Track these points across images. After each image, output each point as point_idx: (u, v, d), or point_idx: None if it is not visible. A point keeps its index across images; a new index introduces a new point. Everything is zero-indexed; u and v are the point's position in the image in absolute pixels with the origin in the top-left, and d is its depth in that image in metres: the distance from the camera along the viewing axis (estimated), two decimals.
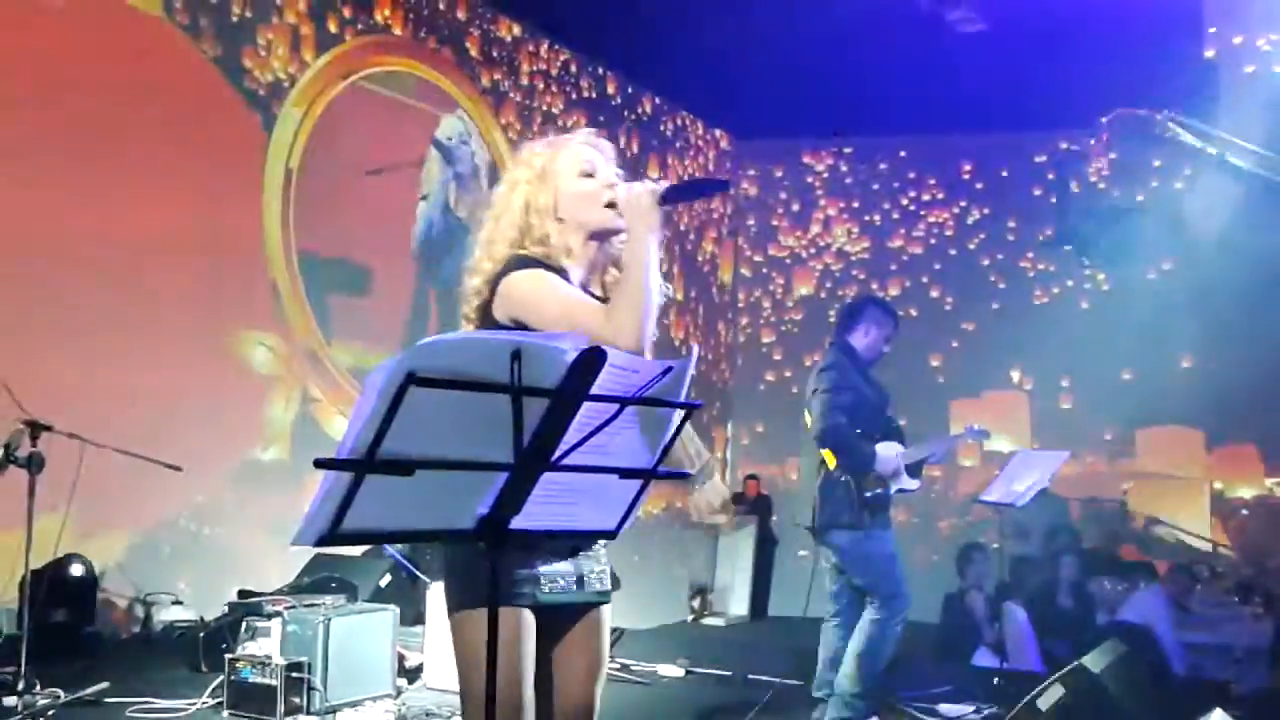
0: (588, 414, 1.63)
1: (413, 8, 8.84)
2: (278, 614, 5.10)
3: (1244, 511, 10.91)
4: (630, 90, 11.57)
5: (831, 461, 4.86)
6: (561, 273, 2.28)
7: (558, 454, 1.63)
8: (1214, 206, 10.17)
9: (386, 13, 8.62)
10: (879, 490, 4.86)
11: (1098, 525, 10.52)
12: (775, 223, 13.17)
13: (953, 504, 11.40)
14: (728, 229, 13.22)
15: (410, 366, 1.42)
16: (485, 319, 2.25)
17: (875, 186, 12.69)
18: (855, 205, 12.78)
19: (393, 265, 8.48)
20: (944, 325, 11.97)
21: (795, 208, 13.08)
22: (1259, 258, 10.21)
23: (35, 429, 4.73)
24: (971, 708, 5.23)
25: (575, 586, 2.30)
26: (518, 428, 1.56)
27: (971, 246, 12.29)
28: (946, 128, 11.45)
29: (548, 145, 2.41)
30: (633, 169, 11.54)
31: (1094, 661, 4.27)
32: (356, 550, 6.85)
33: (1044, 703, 4.21)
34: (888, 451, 4.90)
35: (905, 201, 12.57)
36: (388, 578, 6.63)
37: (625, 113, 11.52)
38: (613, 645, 6.50)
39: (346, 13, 8.27)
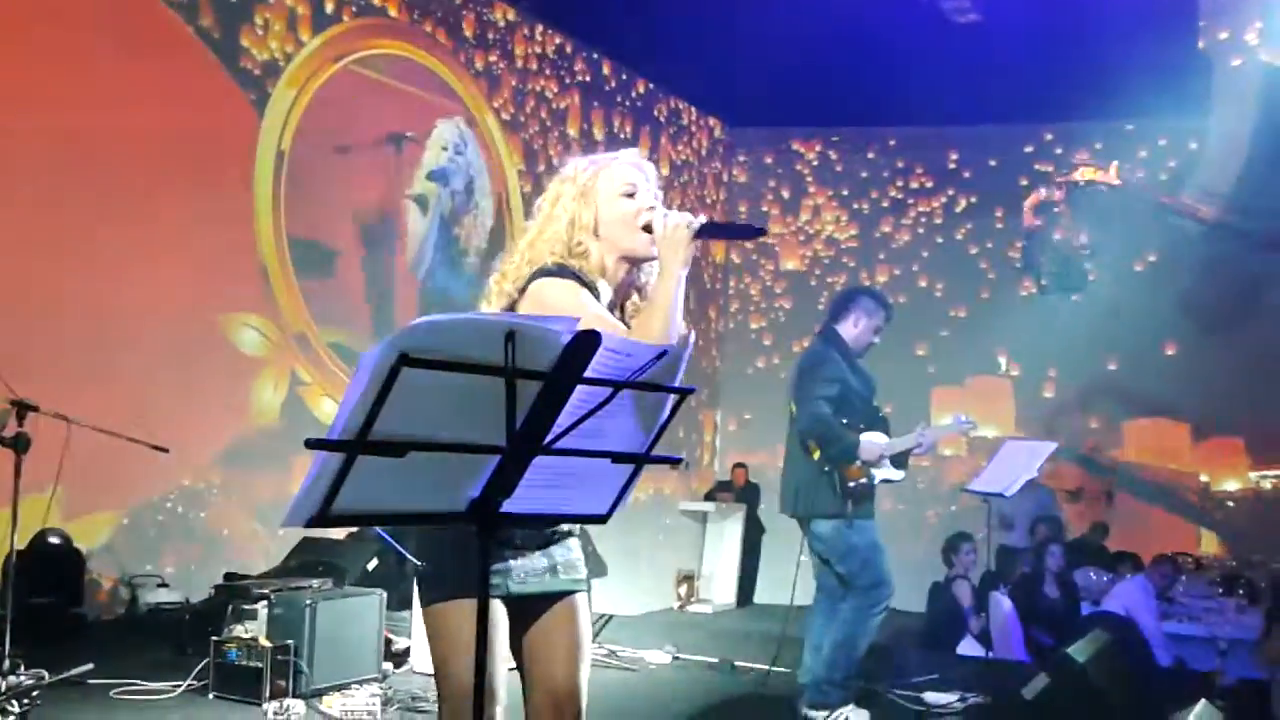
0: (581, 397, 1.62)
1: None
2: (264, 597, 5.09)
3: (1230, 504, 10.97)
4: (624, 76, 11.55)
5: (815, 451, 4.87)
6: (593, 289, 2.35)
7: (550, 437, 1.62)
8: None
9: None
10: (862, 480, 4.87)
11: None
12: (765, 209, 13.18)
13: (940, 493, 11.43)
14: (721, 213, 13.21)
15: (403, 347, 1.41)
16: None
17: (864, 175, 12.73)
18: (844, 193, 12.81)
19: (359, 248, 8.37)
20: (932, 314, 11.99)
21: (785, 195, 13.10)
22: (1247, 247, 10.33)
23: (22, 409, 4.69)
24: (956, 696, 5.25)
25: (547, 576, 2.31)
26: (510, 410, 1.54)
27: (959, 236, 12.32)
28: (935, 118, 11.48)
29: (592, 163, 2.46)
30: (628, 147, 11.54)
31: (1079, 651, 4.30)
32: (343, 534, 6.85)
33: (1029, 692, 4.23)
34: (872, 441, 4.90)
35: (894, 190, 12.60)
36: (375, 561, 6.62)
37: (619, 97, 11.49)
38: (600, 630, 6.53)
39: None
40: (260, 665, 4.75)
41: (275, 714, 4.59)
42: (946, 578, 7.43)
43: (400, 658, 5.63)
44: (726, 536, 9.55)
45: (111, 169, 6.67)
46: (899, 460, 5.06)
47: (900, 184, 12.60)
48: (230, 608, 5.18)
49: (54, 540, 5.98)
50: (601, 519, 1.84)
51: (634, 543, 10.37)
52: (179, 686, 4.91)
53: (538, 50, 10.35)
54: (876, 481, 4.96)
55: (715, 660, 6.23)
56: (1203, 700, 3.49)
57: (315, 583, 5.48)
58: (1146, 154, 11.54)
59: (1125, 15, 9.02)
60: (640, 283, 2.46)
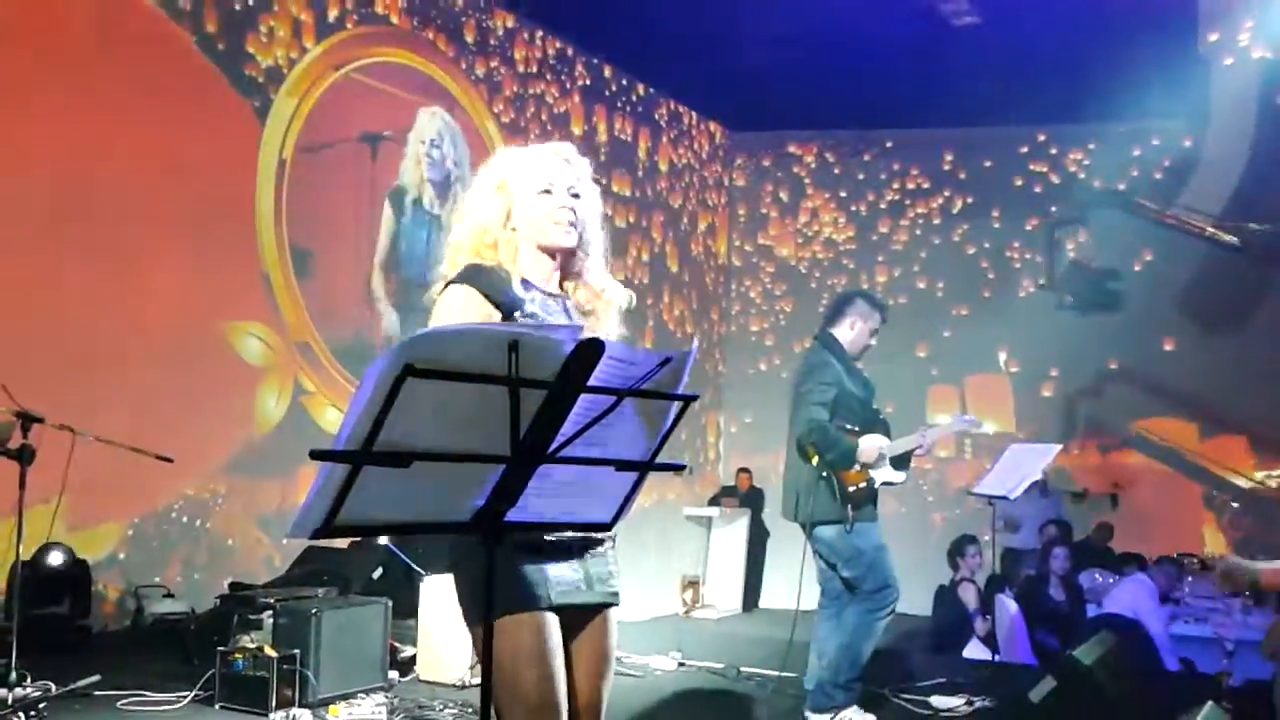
0: (585, 405, 1.62)
1: None
2: (269, 606, 5.09)
3: (1235, 505, 10.96)
4: (625, 80, 11.57)
5: (814, 457, 4.86)
6: (506, 282, 2.31)
7: (554, 446, 1.62)
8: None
9: (386, 1, 8.60)
10: (862, 484, 4.86)
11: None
12: (765, 211, 13.23)
13: (944, 496, 11.43)
14: (722, 216, 13.25)
15: (408, 358, 1.41)
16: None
17: (861, 177, 12.76)
18: (842, 195, 12.85)
19: (336, 249, 8.33)
20: (932, 314, 12.00)
21: (784, 198, 13.14)
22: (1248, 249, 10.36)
23: (26, 421, 4.70)
24: (963, 700, 5.24)
25: (584, 588, 2.28)
26: (514, 420, 1.55)
27: (956, 237, 12.35)
28: (930, 120, 11.52)
29: (511, 157, 2.43)
30: (630, 154, 11.58)
31: (1085, 654, 4.29)
32: (347, 542, 6.84)
33: (1036, 695, 4.23)
34: (871, 444, 4.89)
35: (891, 192, 12.64)
36: (380, 570, 6.62)
37: (619, 101, 11.51)
38: None
39: (348, 3, 8.25)
40: (266, 675, 4.75)
41: None
42: (952, 580, 7.42)
43: (406, 666, 5.62)
44: (731, 541, 9.52)
45: (114, 180, 6.68)
46: (900, 462, 5.04)
47: (897, 186, 12.64)
48: (236, 617, 5.19)
49: (59, 552, 5.98)
50: (605, 527, 1.85)
51: (638, 548, 10.37)
52: (185, 697, 4.91)
53: (538, 55, 10.38)
54: (877, 484, 4.95)
55: (721, 666, 6.22)
56: (1209, 703, 3.48)
57: (320, 591, 5.49)
58: (1141, 153, 11.56)
59: (1120, 17, 9.04)
60: (577, 270, 2.44)
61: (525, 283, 2.32)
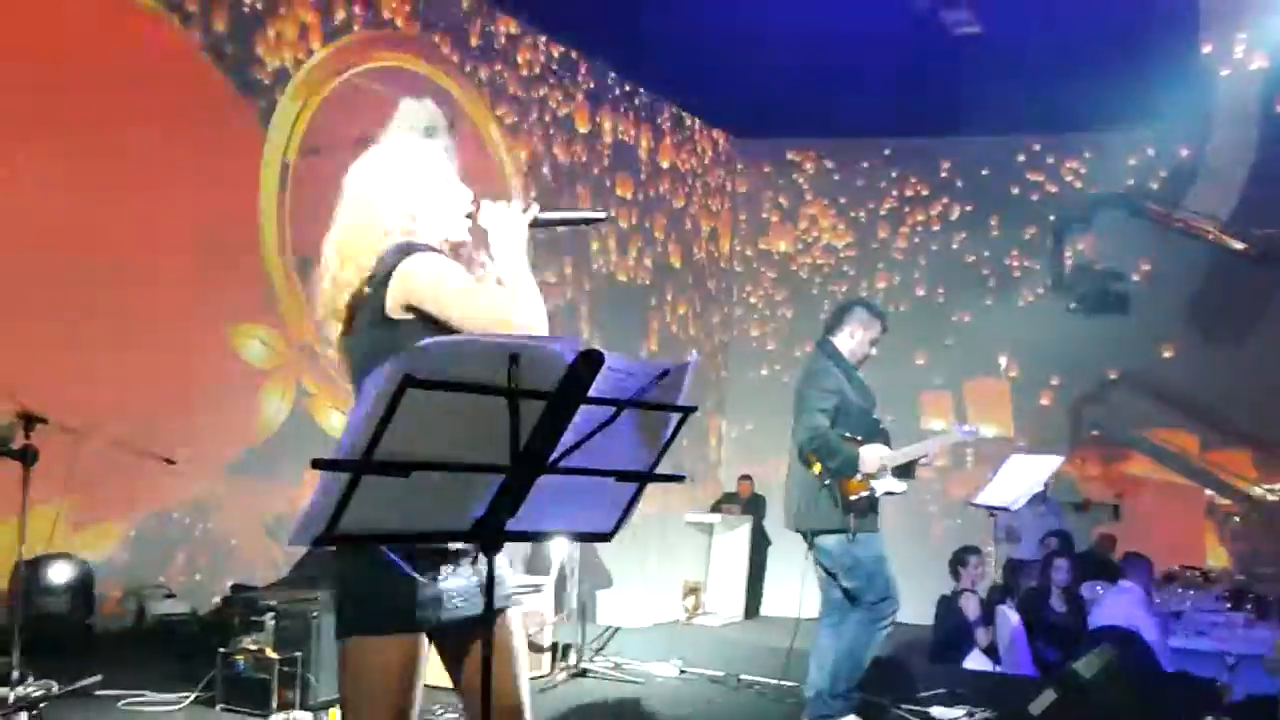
0: (585, 416, 1.62)
1: (414, 2, 8.84)
2: (271, 608, 5.10)
3: (1236, 518, 10.94)
4: (628, 86, 11.60)
5: (816, 466, 4.85)
6: None
7: (554, 456, 1.63)
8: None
9: (394, 5, 8.63)
10: (864, 493, 4.85)
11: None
12: (766, 217, 13.27)
13: (945, 505, 11.42)
14: (725, 222, 13.28)
15: (408, 369, 1.42)
16: (366, 310, 2.19)
17: (860, 184, 12.80)
18: (842, 201, 12.90)
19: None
20: (932, 322, 12.03)
21: (784, 204, 13.19)
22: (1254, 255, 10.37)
23: (30, 421, 4.72)
24: (963, 711, 5.23)
25: (477, 594, 2.19)
26: (514, 430, 1.55)
27: (955, 245, 12.39)
28: (928, 129, 11.56)
29: (405, 149, 2.38)
30: (632, 157, 11.61)
31: (1085, 667, 4.28)
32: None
33: (1036, 707, 4.22)
34: (873, 454, 4.88)
35: (890, 200, 12.69)
36: None
37: (622, 106, 11.55)
38: (606, 642, 6.52)
39: (357, 9, 8.29)
40: (267, 677, 4.77)
41: None
42: (953, 591, 7.40)
43: None
44: (733, 548, 9.53)
45: (115, 181, 6.69)
46: (902, 472, 5.04)
47: (896, 193, 12.69)
48: (237, 619, 5.20)
49: (63, 562, 6.00)
50: (605, 537, 1.85)
51: (640, 555, 10.38)
52: (186, 698, 4.93)
53: (541, 59, 10.41)
54: (879, 494, 4.94)
55: (721, 674, 6.22)
56: (1209, 717, 3.48)
57: (322, 594, 5.48)
58: (1136, 161, 11.61)
59: (1119, 29, 9.07)
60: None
61: None
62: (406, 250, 2.20)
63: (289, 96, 7.76)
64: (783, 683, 5.82)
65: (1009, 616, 6.99)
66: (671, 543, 10.20)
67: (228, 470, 7.37)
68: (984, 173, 12.28)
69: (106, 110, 6.65)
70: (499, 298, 2.18)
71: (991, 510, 5.48)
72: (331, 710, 4.81)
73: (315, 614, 4.95)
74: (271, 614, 5.07)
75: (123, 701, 4.88)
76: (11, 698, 4.49)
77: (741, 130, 13.09)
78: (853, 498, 4.83)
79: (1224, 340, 10.85)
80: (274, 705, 4.73)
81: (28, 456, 4.72)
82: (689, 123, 12.68)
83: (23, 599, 4.93)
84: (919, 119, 11.12)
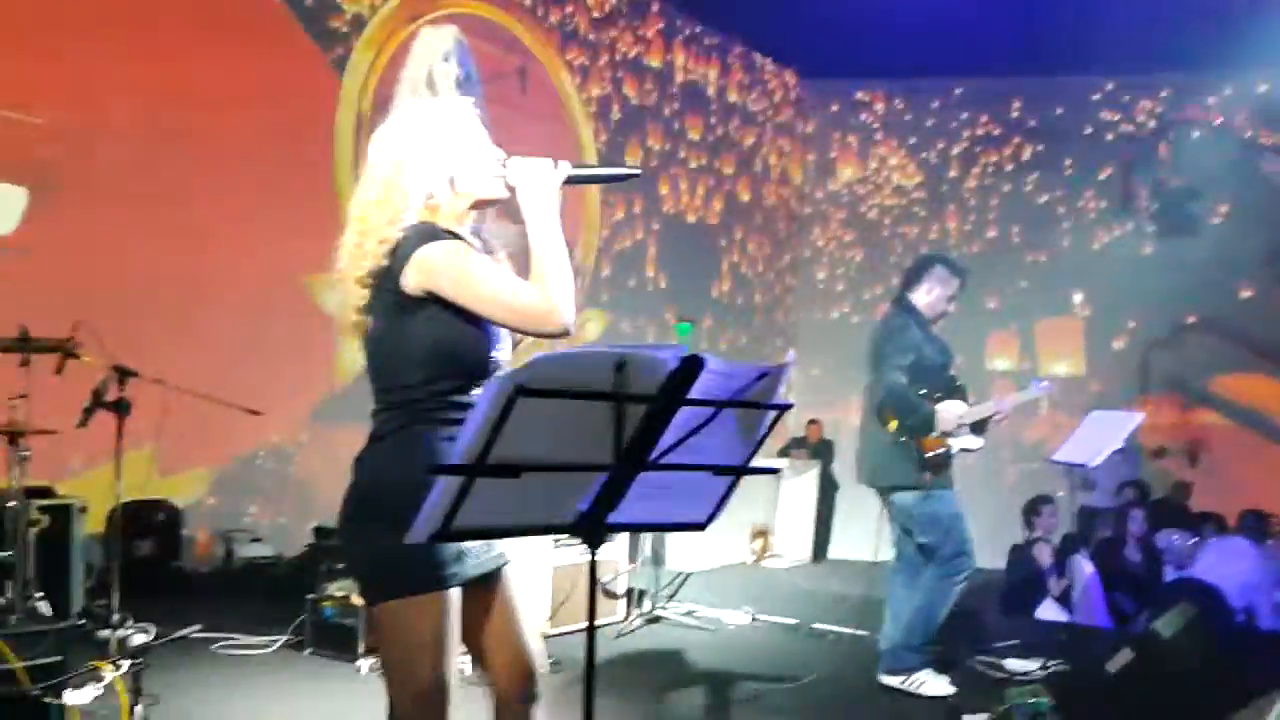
0: (686, 415, 1.66)
1: None
2: None
3: None
4: (698, 28, 11.47)
5: (892, 423, 4.86)
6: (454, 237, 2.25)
7: (655, 454, 1.67)
8: None
9: None
10: (940, 450, 4.86)
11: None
12: (834, 158, 13.11)
13: (1019, 451, 11.35)
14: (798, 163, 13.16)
15: (521, 380, 1.47)
16: (385, 287, 2.20)
17: (930, 124, 12.58)
18: (912, 142, 12.69)
19: None
20: (1005, 264, 11.85)
21: (853, 145, 13.01)
22: None
23: (123, 375, 4.87)
24: (1038, 664, 5.24)
25: (491, 551, 2.27)
26: (618, 432, 1.59)
27: (1028, 186, 12.16)
28: (1000, 69, 11.29)
29: (439, 108, 2.35)
30: (702, 98, 11.52)
31: (1165, 625, 4.27)
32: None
33: (1114, 665, 4.23)
34: (950, 411, 4.87)
35: (960, 141, 12.46)
36: None
37: (692, 46, 11.42)
38: (678, 589, 6.62)
39: None
40: (354, 623, 4.92)
41: (370, 670, 4.76)
42: (1026, 539, 7.39)
43: None
44: (801, 492, 9.58)
45: (197, 139, 6.81)
46: (978, 428, 5.03)
47: (967, 134, 12.46)
48: (323, 565, 5.36)
49: (154, 497, 6.21)
50: (700, 527, 1.89)
51: None
52: (276, 641, 5.10)
53: (612, 1, 10.32)
54: (955, 451, 4.94)
55: (794, 621, 6.30)
56: None
57: None
58: (1215, 101, 11.26)
59: None
60: (480, 230, 2.36)
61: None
62: (428, 235, 2.18)
63: (362, 46, 7.78)
64: (856, 631, 5.89)
65: (1083, 566, 6.97)
66: (740, 485, 10.26)
67: (309, 416, 7.54)
68: (1058, 112, 12.00)
69: (183, 59, 6.73)
70: (519, 286, 2.16)
71: (1071, 467, 5.45)
72: None
73: None
74: None
75: (215, 645, 5.07)
76: (113, 640, 4.68)
77: (811, 70, 12.88)
78: (929, 454, 4.84)
79: None
80: (361, 650, 4.88)
81: (122, 407, 4.88)
82: (759, 63, 12.52)
83: (120, 542, 5.13)
84: (991, 58, 10.85)
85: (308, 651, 5.01)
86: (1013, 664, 5.29)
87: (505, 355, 2.27)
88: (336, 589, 5.14)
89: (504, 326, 2.21)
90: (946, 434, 4.87)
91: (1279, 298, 10.64)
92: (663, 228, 11.01)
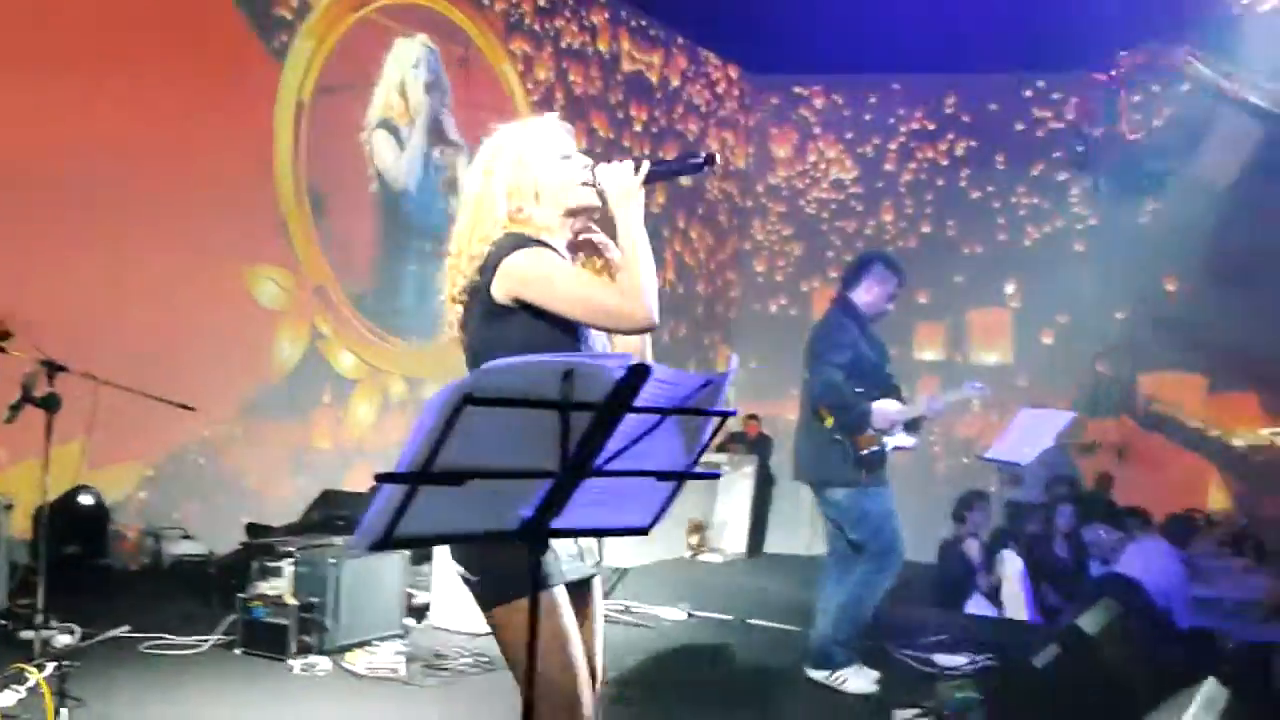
0: (632, 423, 1.67)
1: None
2: (289, 554, 5.19)
3: (1240, 461, 11.03)
4: (643, 21, 11.48)
5: (828, 420, 4.92)
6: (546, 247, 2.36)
7: (600, 461, 1.68)
8: (1232, 148, 10.23)
9: None
10: (875, 448, 4.93)
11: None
12: (775, 151, 13.21)
13: (949, 445, 11.53)
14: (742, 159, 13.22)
15: (468, 389, 1.47)
16: (478, 299, 2.30)
17: (868, 119, 12.73)
18: (849, 137, 12.84)
19: (354, 193, 8.27)
20: (937, 258, 12.01)
21: (794, 139, 13.12)
22: (1263, 202, 10.24)
23: (52, 369, 4.75)
24: (966, 659, 5.34)
25: (580, 560, 2.40)
26: (564, 439, 1.60)
27: (962, 182, 12.35)
28: (935, 65, 11.45)
29: (522, 127, 2.48)
30: (646, 89, 11.52)
31: (1089, 622, 4.36)
32: (366, 487, 6.94)
33: (1040, 660, 4.31)
34: (885, 409, 4.95)
35: (897, 136, 12.63)
36: None
37: (637, 39, 11.43)
38: (615, 586, 6.64)
39: None
40: (286, 622, 4.87)
41: (302, 670, 4.72)
42: (956, 535, 7.52)
43: (421, 613, 5.74)
44: (738, 487, 9.64)
45: (131, 127, 6.67)
46: (912, 426, 5.12)
47: (904, 129, 12.63)
48: (256, 564, 5.29)
49: (83, 496, 6.09)
50: (643, 531, 1.91)
51: None
52: (207, 640, 5.02)
53: None
54: (890, 449, 5.01)
55: (729, 617, 6.34)
56: (1210, 679, 3.56)
57: (339, 539, 5.58)
58: (1145, 99, 11.50)
59: None
60: (583, 234, 2.49)
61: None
62: (516, 243, 2.29)
63: (304, 33, 7.68)
64: (790, 627, 5.95)
65: (1012, 561, 7.11)
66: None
67: (243, 411, 7.43)
68: (991, 108, 12.21)
69: (118, 45, 6.59)
70: (604, 286, 2.29)
71: (1002, 465, 5.56)
72: (350, 655, 4.93)
73: (333, 560, 5.04)
74: (290, 560, 5.16)
75: (144, 645, 4.98)
76: (37, 641, 4.58)
77: (753, 64, 12.96)
78: (864, 452, 4.91)
79: (1230, 280, 10.71)
80: (293, 650, 4.83)
81: (51, 403, 4.76)
82: (702, 55, 12.55)
83: (46, 540, 5.01)
84: (926, 55, 10.99)
85: (239, 651, 4.94)
86: (942, 658, 5.38)
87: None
88: (268, 587, 5.09)
89: (593, 327, 2.32)
90: (881, 432, 4.95)
91: (1206, 295, 10.82)
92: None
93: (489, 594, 2.24)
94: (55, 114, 6.32)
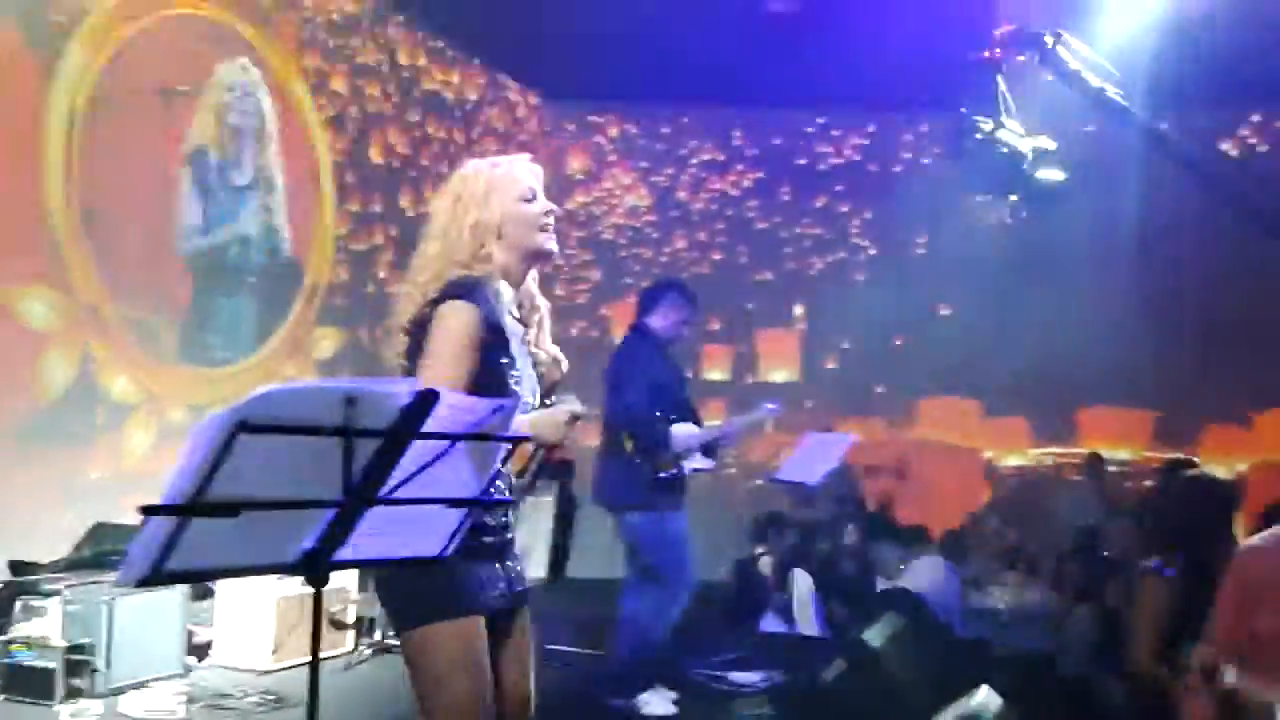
0: (420, 449, 1.64)
1: None
2: (56, 593, 4.86)
3: (1012, 481, 11.72)
4: (440, 42, 11.37)
5: (628, 443, 4.98)
6: (496, 293, 2.45)
7: (387, 489, 1.64)
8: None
9: None
10: (673, 471, 5.01)
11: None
12: (571, 177, 13.31)
13: (744, 467, 11.81)
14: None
15: (243, 416, 1.40)
16: (421, 331, 2.35)
17: (660, 148, 13.01)
18: (643, 165, 13.08)
19: (132, 210, 7.89)
20: (727, 286, 12.31)
21: (589, 167, 13.28)
22: (1037, 230, 10.85)
23: None
24: (760, 675, 5.46)
25: (507, 590, 2.47)
26: (347, 467, 1.55)
27: (750, 213, 12.76)
28: (725, 98, 11.78)
29: (492, 166, 2.53)
30: (442, 108, 11.40)
31: (874, 636, 4.54)
32: (140, 520, 6.56)
33: (828, 674, 4.46)
34: (683, 433, 5.05)
35: (689, 166, 12.96)
36: None
37: (435, 59, 11.31)
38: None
39: None
40: (53, 666, 4.56)
41: (71, 716, 4.42)
42: (752, 555, 7.71)
43: (203, 650, 5.47)
44: (539, 512, 9.59)
45: None
46: (709, 449, 5.23)
47: (695, 160, 12.96)
48: (19, 604, 4.94)
49: None
50: (434, 559, 1.87)
51: None
52: None
53: (351, 9, 10.07)
54: (688, 471, 5.10)
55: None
56: (984, 686, 3.75)
57: (112, 575, 5.26)
58: (913, 138, 12.10)
59: (916, 11, 9.34)
60: (529, 288, 2.65)
61: (497, 294, 2.45)
62: (460, 291, 2.32)
63: (78, 43, 7.25)
64: (589, 651, 5.94)
65: (803, 579, 7.33)
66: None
67: (6, 438, 6.91)
68: (775, 142, 12.66)
69: None
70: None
71: (793, 486, 5.73)
72: (125, 698, 4.64)
73: (105, 598, 4.75)
74: (57, 598, 4.84)
75: None
76: None
77: (551, 91, 13.00)
78: (662, 475, 4.98)
79: (1003, 304, 11.22)
80: (60, 695, 4.53)
81: None
82: (501, 80, 12.52)
83: None
84: (715, 88, 11.26)
85: (1, 699, 4.59)
86: (736, 676, 5.50)
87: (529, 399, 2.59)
88: (32, 629, 4.75)
89: None
90: (679, 455, 5.02)
91: (974, 318, 11.36)
92: (401, 232, 10.78)
93: (409, 614, 2.25)
94: None
